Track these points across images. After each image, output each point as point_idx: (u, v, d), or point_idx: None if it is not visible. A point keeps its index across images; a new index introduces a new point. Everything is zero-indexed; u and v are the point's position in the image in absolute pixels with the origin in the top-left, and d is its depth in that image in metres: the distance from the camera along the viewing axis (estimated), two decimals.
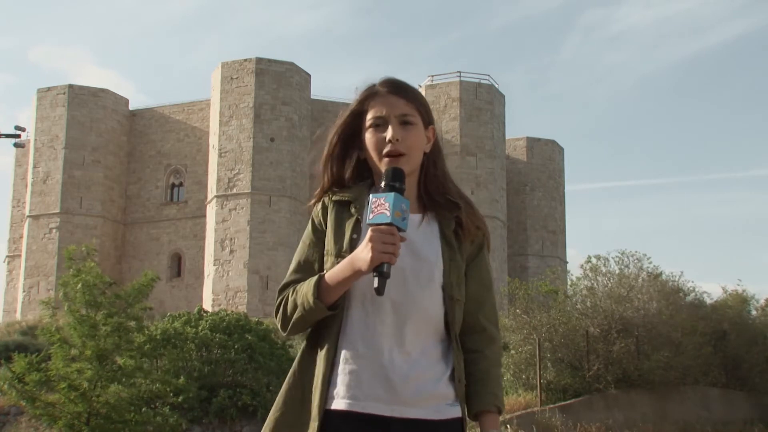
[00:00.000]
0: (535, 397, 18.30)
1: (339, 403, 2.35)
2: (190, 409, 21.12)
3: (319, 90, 50.33)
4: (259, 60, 47.49)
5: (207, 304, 42.12)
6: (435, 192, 2.55)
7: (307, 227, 2.57)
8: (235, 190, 46.26)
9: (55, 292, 34.45)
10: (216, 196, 46.58)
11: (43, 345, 23.12)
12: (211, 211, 46.99)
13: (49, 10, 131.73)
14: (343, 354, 2.38)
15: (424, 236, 2.47)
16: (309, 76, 49.49)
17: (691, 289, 22.59)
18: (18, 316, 46.83)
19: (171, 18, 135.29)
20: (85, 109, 50.46)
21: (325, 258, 2.48)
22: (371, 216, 2.27)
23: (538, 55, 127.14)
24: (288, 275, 2.52)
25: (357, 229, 2.44)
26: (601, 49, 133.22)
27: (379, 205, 2.27)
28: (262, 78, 47.16)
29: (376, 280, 2.26)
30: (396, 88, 2.53)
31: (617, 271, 21.10)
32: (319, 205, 2.56)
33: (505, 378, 19.73)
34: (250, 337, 23.46)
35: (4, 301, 53.02)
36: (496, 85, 51.87)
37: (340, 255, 2.41)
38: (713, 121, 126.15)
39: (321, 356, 2.41)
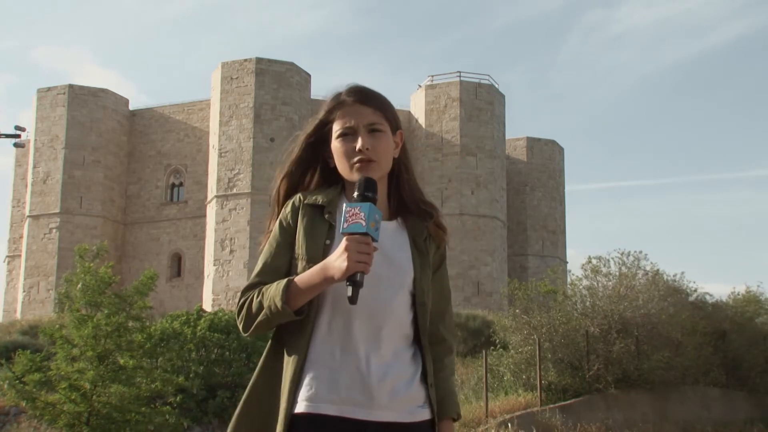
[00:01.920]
0: (535, 397, 18.30)
1: (310, 407, 2.34)
2: (190, 409, 21.13)
3: (319, 90, 50.15)
4: (259, 60, 47.48)
5: (207, 304, 42.13)
6: (406, 198, 2.58)
7: (274, 229, 2.54)
8: (235, 190, 46.25)
9: (56, 291, 34.46)
10: (216, 196, 46.57)
11: (43, 345, 23.14)
12: (211, 211, 46.99)
13: (50, 10, 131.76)
14: (317, 358, 2.38)
15: (395, 243, 2.49)
16: (309, 76, 49.49)
17: (692, 289, 22.62)
18: (18, 316, 46.80)
19: (171, 18, 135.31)
20: (85, 109, 50.44)
21: (295, 262, 2.47)
22: (345, 225, 2.29)
23: (538, 55, 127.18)
24: (253, 276, 2.50)
25: (330, 235, 2.45)
26: (601, 49, 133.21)
27: (354, 215, 2.28)
28: (262, 78, 47.15)
29: (349, 289, 2.28)
30: (363, 97, 2.56)
31: (617, 272, 21.12)
32: (289, 207, 2.53)
33: (505, 378, 19.75)
34: (244, 336, 23.44)
35: (4, 301, 53.01)
36: (497, 85, 51.87)
37: (312, 260, 2.41)
38: (713, 121, 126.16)
39: (290, 360, 2.40)
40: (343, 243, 2.27)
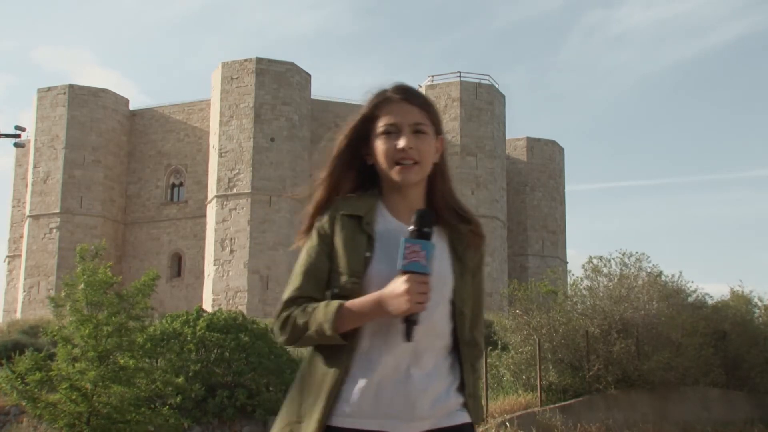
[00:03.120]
0: (535, 397, 18.30)
1: (350, 422, 2.32)
2: (189, 409, 21.11)
3: (319, 90, 50.23)
4: (259, 60, 47.50)
5: (207, 304, 42.13)
6: (443, 204, 2.53)
7: (312, 239, 2.46)
8: (235, 190, 46.27)
9: (56, 291, 34.48)
10: (216, 196, 46.59)
11: (43, 345, 23.16)
12: (211, 210, 47.01)
13: (50, 11, 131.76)
14: (359, 371, 2.35)
15: (442, 254, 2.45)
16: (309, 76, 49.51)
17: (692, 289, 22.61)
18: (18, 315, 46.82)
19: (172, 18, 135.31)
20: (85, 109, 50.47)
21: (335, 275, 2.41)
22: (405, 262, 2.24)
23: (538, 55, 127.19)
24: (294, 288, 2.43)
25: (370, 247, 2.39)
26: (601, 49, 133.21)
27: (414, 252, 2.24)
28: (263, 78, 47.16)
29: (404, 326, 2.26)
30: (410, 96, 2.50)
31: (618, 272, 21.11)
32: (326, 217, 2.46)
33: (504, 378, 19.75)
34: (244, 336, 23.42)
35: (4, 300, 53.05)
36: (497, 85, 51.89)
37: (354, 274, 2.37)
38: (713, 121, 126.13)
39: (328, 372, 2.36)
40: (404, 283, 2.23)
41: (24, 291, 48.95)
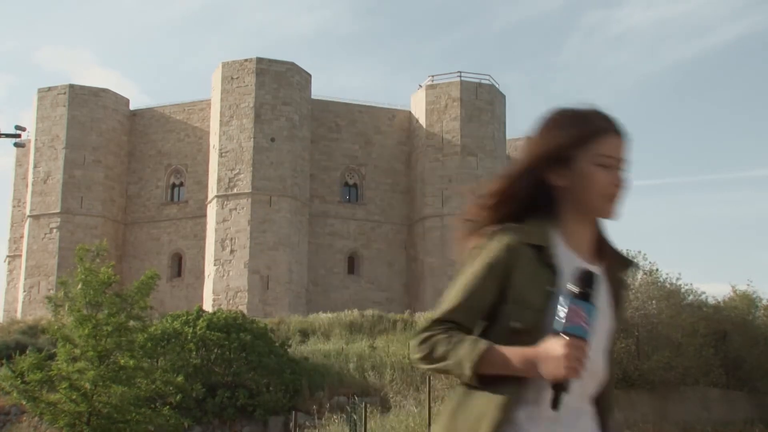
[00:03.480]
0: None
1: None
2: (190, 409, 21.11)
3: (319, 90, 50.16)
4: (259, 60, 47.50)
5: (207, 304, 42.11)
6: (605, 241, 2.45)
7: (481, 262, 2.31)
8: (235, 190, 46.26)
9: (55, 291, 34.50)
10: (216, 196, 46.59)
11: (43, 344, 23.18)
12: (212, 210, 47.01)
13: (50, 11, 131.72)
14: (530, 407, 2.25)
15: (603, 295, 2.35)
16: (309, 76, 49.50)
17: (690, 290, 22.59)
18: (18, 315, 46.81)
19: (172, 18, 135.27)
20: (85, 109, 50.46)
21: (503, 306, 2.29)
22: (567, 324, 2.10)
23: (538, 55, 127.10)
24: (446, 310, 2.30)
25: (552, 282, 2.27)
26: (601, 49, 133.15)
27: (576, 315, 2.11)
28: (263, 78, 47.16)
29: (552, 393, 2.13)
30: (623, 132, 2.46)
31: None
32: (504, 242, 2.29)
33: None
34: (244, 336, 23.42)
35: (4, 300, 53.03)
36: (497, 85, 51.87)
37: (531, 307, 2.25)
38: (713, 121, 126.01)
39: (492, 404, 2.23)
40: (563, 346, 2.10)
41: (24, 291, 48.95)
